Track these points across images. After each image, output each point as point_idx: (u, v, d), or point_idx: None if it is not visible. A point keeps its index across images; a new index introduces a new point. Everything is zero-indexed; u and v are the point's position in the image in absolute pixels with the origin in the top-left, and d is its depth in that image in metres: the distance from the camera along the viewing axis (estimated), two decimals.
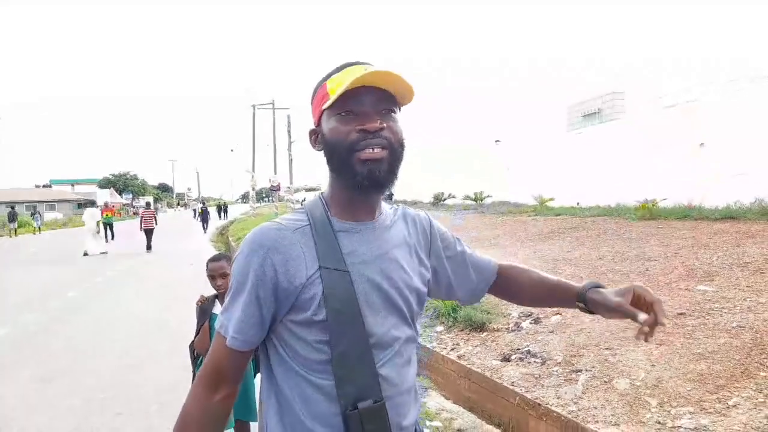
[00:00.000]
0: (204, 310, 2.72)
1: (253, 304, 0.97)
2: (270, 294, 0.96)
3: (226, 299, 1.01)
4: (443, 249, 1.20)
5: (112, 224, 20.43)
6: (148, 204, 17.71)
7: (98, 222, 15.78)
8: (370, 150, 0.96)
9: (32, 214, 30.02)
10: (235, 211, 42.23)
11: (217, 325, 1.03)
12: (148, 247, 15.55)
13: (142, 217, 16.32)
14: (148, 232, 15.59)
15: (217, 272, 2.67)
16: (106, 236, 17.55)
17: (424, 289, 1.13)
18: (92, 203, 31.22)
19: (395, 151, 0.99)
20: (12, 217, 27.02)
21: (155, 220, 16.29)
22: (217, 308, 2.73)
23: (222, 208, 39.80)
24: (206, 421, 1.00)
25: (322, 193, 1.10)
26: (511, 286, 1.26)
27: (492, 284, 1.26)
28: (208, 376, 1.01)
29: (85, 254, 14.77)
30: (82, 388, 4.31)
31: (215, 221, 29.45)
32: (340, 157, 0.98)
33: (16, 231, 26.89)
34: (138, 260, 13.65)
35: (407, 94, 1.00)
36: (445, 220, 10.64)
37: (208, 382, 1.01)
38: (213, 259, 2.75)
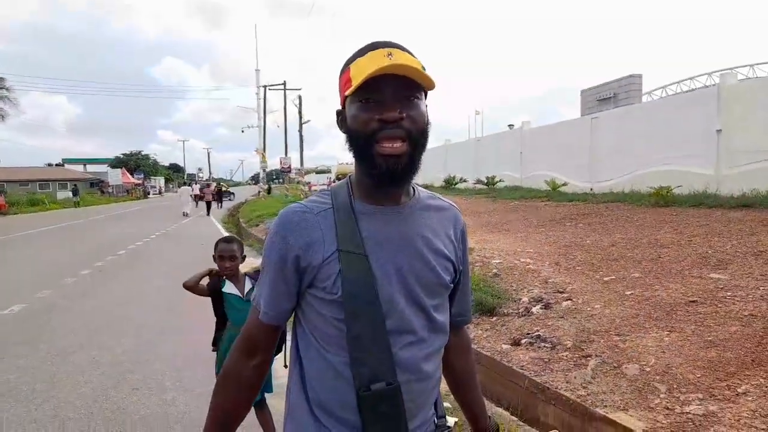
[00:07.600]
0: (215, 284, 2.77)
1: (279, 281, 1.03)
2: (292, 272, 1.02)
3: (260, 277, 1.08)
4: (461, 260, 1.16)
5: None
6: (208, 185, 28.73)
7: (191, 195, 26.40)
8: (390, 145, 0.96)
9: (73, 192, 37.79)
10: (245, 193, 42.30)
11: (251, 298, 1.11)
12: (208, 213, 23.91)
13: (203, 192, 26.40)
14: (208, 204, 24.75)
15: (226, 254, 2.70)
16: None
17: (447, 278, 1.10)
18: (186, 183, 39.50)
19: (416, 141, 0.98)
20: (75, 192, 37.48)
21: (212, 196, 25.49)
22: (227, 287, 2.77)
23: (220, 193, 30.73)
24: (242, 382, 1.10)
25: (350, 176, 1.10)
26: (447, 355, 1.21)
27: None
28: (243, 344, 1.10)
29: (186, 214, 23.17)
30: (99, 364, 4.42)
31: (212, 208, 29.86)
32: (360, 145, 0.99)
33: (78, 203, 35.06)
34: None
35: (428, 83, 1.00)
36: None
37: (244, 350, 1.10)
38: (225, 240, 2.78)
